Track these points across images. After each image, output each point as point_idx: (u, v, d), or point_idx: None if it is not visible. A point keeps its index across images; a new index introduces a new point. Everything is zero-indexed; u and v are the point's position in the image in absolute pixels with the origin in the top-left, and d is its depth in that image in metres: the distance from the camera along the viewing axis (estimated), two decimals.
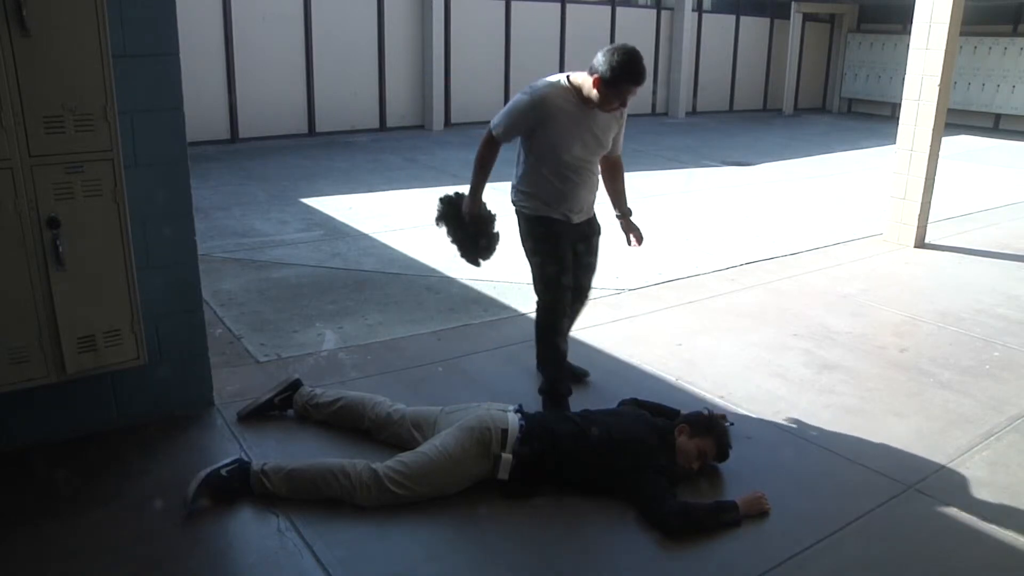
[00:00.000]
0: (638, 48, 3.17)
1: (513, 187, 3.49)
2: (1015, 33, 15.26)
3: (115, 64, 2.73)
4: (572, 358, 3.67)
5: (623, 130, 3.53)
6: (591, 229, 3.56)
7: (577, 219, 3.45)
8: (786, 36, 17.73)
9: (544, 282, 3.46)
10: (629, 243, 3.73)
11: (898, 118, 6.61)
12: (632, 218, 3.72)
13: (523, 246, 3.51)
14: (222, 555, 2.64)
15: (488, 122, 3.47)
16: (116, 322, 2.93)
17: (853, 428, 3.49)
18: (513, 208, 3.50)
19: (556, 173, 3.35)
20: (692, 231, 6.98)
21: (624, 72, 3.11)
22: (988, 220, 7.73)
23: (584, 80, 3.23)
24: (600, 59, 3.14)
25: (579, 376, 3.79)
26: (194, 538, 2.63)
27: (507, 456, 2.82)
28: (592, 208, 3.54)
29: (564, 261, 3.43)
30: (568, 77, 3.31)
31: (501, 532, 2.71)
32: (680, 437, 3.00)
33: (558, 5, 14.24)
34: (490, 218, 3.53)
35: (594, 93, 3.19)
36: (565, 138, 3.30)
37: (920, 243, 6.54)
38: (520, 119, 3.32)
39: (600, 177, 3.57)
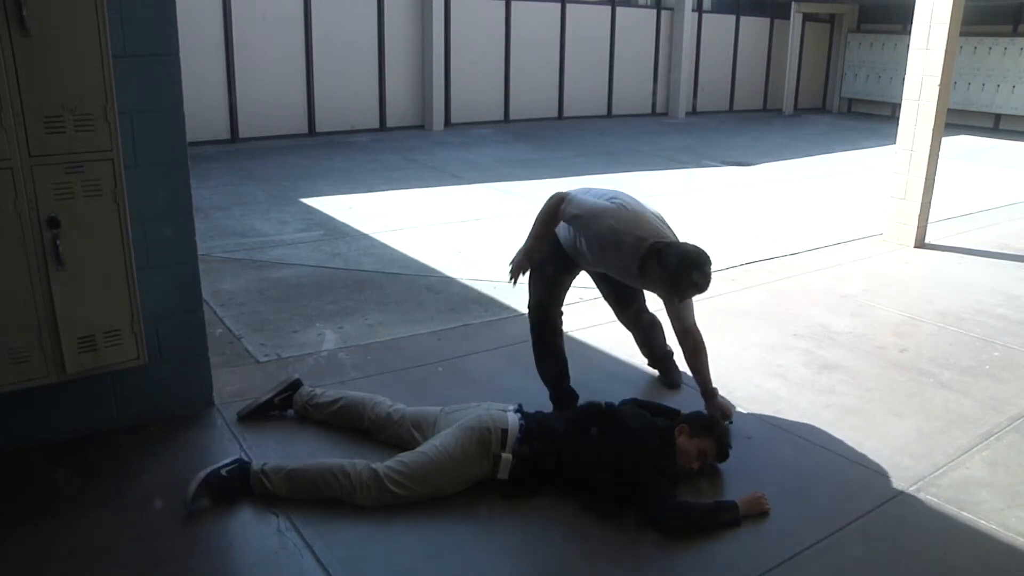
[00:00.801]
0: (704, 253, 3.03)
1: None
2: (1015, 33, 15.26)
3: (115, 64, 2.73)
4: (573, 359, 3.65)
5: (687, 304, 3.30)
6: None
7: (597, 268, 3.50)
8: (786, 36, 17.73)
9: (530, 276, 3.46)
10: None
11: (898, 118, 6.61)
12: (718, 399, 3.40)
13: None
14: (222, 555, 2.64)
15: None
16: (116, 322, 2.93)
17: (853, 428, 3.49)
18: None
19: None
20: (692, 231, 6.93)
21: (678, 280, 3.05)
22: (988, 220, 7.72)
23: (652, 258, 3.10)
24: (669, 251, 3.05)
25: (671, 382, 3.88)
26: (194, 538, 2.63)
27: (507, 456, 2.82)
28: None
29: (552, 256, 3.42)
30: (653, 256, 3.09)
31: (501, 532, 2.71)
32: (680, 437, 3.00)
33: (558, 5, 14.24)
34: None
35: (651, 274, 3.11)
36: (596, 266, 3.38)
37: (920, 243, 6.54)
38: (585, 230, 3.21)
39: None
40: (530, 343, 3.58)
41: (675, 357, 3.88)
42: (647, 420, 3.09)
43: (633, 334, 3.89)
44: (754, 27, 17.49)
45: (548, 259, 3.43)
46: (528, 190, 8.44)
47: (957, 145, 12.82)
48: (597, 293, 4.73)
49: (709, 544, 2.68)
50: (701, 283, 3.05)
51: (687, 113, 16.43)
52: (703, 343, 3.38)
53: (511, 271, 3.36)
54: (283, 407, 3.36)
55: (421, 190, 8.51)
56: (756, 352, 4.30)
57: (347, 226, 6.80)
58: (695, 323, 3.37)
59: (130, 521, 2.68)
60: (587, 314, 4.65)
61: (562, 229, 3.38)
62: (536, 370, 3.57)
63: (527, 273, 3.40)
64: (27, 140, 2.63)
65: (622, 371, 4.00)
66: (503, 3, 13.57)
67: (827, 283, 5.56)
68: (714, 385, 3.42)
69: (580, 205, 3.20)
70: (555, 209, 3.26)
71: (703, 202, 8.47)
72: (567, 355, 3.58)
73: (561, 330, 3.57)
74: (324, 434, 3.24)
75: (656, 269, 3.08)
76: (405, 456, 2.83)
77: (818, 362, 4.19)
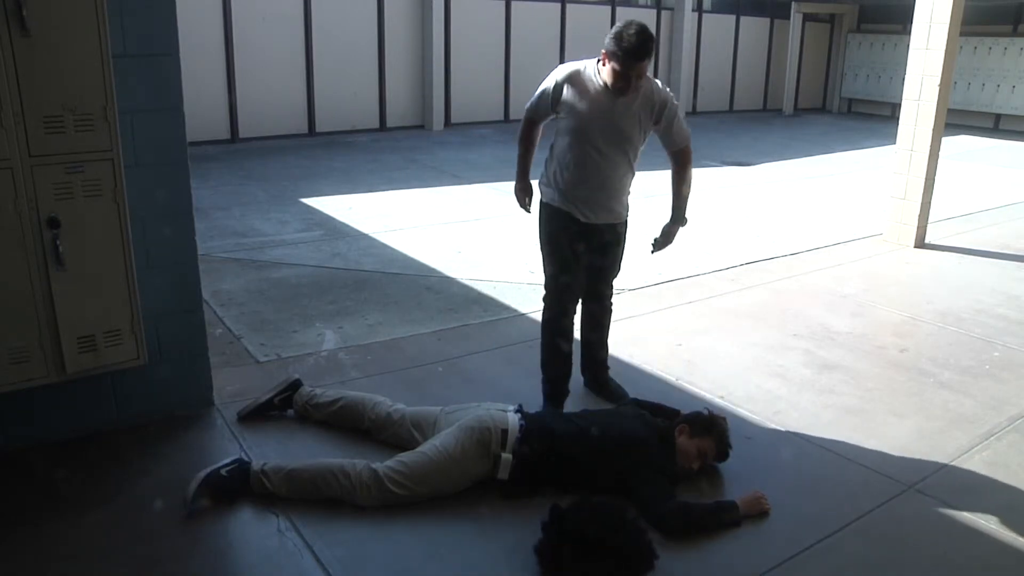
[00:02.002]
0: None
1: (541, 174, 3.47)
2: (1015, 33, 15.26)
3: (115, 64, 2.73)
4: (573, 360, 3.64)
5: (675, 120, 3.38)
6: (612, 236, 3.44)
7: (595, 220, 3.34)
8: (786, 36, 17.72)
9: (546, 277, 3.49)
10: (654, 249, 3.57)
11: (898, 118, 6.61)
12: (679, 228, 3.55)
13: (539, 235, 3.49)
14: (222, 555, 2.64)
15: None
16: (116, 322, 2.93)
17: (853, 428, 3.49)
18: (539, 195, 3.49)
19: (576, 159, 3.27)
20: (692, 231, 6.93)
21: (622, 46, 3.03)
22: (988, 220, 7.73)
23: (599, 65, 3.21)
24: (608, 34, 3.09)
25: (616, 395, 3.61)
26: (194, 538, 2.63)
27: (507, 456, 2.82)
28: (619, 215, 3.42)
29: (566, 261, 3.40)
30: (598, 61, 3.22)
31: (501, 532, 2.71)
32: (680, 437, 3.00)
33: (558, 5, 14.24)
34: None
35: (605, 72, 3.16)
36: (586, 119, 3.23)
37: (920, 243, 6.54)
38: (547, 92, 3.31)
39: (626, 181, 3.41)
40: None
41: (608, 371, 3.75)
42: (647, 420, 3.10)
43: (584, 324, 3.68)
44: (754, 27, 17.48)
45: (548, 256, 3.43)
46: None
47: (957, 145, 12.82)
48: None
49: (709, 544, 2.68)
50: (629, 40, 3.02)
51: (687, 113, 16.42)
52: (690, 166, 3.54)
53: (522, 205, 3.57)
54: (283, 407, 3.36)
55: (421, 190, 8.51)
56: (756, 352, 4.30)
57: (347, 226, 6.80)
58: (689, 143, 3.51)
59: (130, 521, 2.68)
60: None
61: (544, 181, 3.41)
62: (540, 366, 3.57)
63: (533, 199, 3.53)
64: (27, 140, 2.63)
65: (622, 371, 3.99)
66: (503, 3, 13.57)
67: (827, 283, 5.56)
68: (687, 216, 3.55)
69: (530, 101, 3.41)
70: (524, 120, 3.46)
71: (703, 202, 8.46)
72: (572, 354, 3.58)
73: (572, 334, 3.55)
74: (324, 434, 3.24)
75: (605, 70, 3.15)
76: (405, 456, 2.82)
77: (818, 362, 4.19)
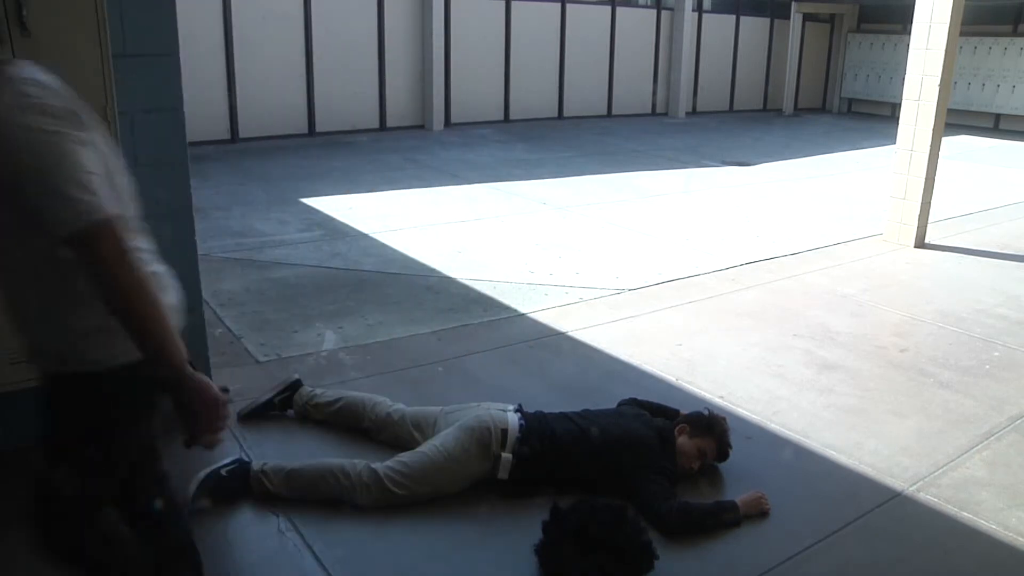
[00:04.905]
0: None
1: None
2: (1015, 33, 15.26)
3: (115, 64, 2.73)
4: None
5: (37, 176, 1.49)
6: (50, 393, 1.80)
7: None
8: (786, 36, 17.73)
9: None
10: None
11: (898, 118, 6.61)
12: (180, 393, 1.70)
13: None
14: (222, 555, 2.64)
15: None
16: None
17: (853, 428, 3.49)
18: None
19: None
20: (692, 231, 6.98)
21: None
22: (988, 220, 7.73)
23: None
24: None
25: None
26: (194, 538, 2.62)
27: (507, 456, 2.82)
28: (52, 352, 1.76)
29: None
30: None
31: (501, 532, 2.71)
32: (680, 437, 3.00)
33: (558, 5, 14.24)
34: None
35: None
36: None
37: (920, 243, 6.54)
38: None
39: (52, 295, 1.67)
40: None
41: None
42: (647, 420, 3.10)
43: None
44: (754, 27, 17.49)
45: None
46: (528, 190, 8.44)
47: (957, 145, 12.82)
48: (597, 293, 4.72)
49: (709, 544, 2.68)
50: None
51: (687, 113, 16.42)
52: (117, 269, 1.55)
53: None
54: (283, 407, 3.36)
55: (421, 190, 8.50)
56: (756, 352, 4.30)
57: (347, 226, 6.79)
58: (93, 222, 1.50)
59: None
60: (586, 314, 4.65)
61: None
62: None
63: None
64: None
65: (621, 371, 4.00)
66: (503, 3, 13.57)
67: (827, 283, 5.56)
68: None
69: None
70: None
71: (703, 202, 8.46)
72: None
73: None
74: (324, 434, 3.24)
75: None
76: (405, 456, 2.83)
77: (818, 362, 4.19)
